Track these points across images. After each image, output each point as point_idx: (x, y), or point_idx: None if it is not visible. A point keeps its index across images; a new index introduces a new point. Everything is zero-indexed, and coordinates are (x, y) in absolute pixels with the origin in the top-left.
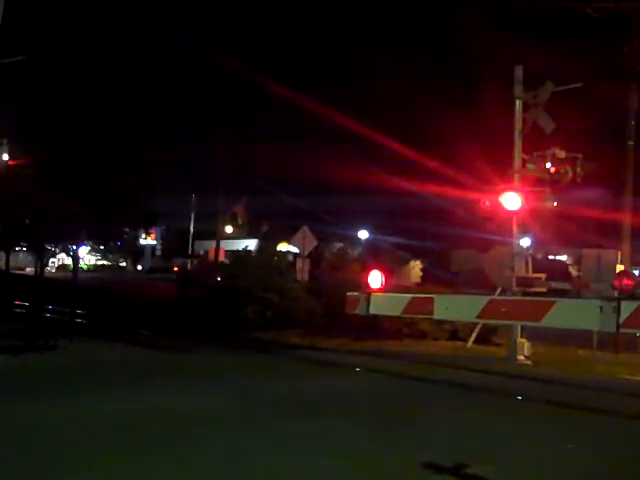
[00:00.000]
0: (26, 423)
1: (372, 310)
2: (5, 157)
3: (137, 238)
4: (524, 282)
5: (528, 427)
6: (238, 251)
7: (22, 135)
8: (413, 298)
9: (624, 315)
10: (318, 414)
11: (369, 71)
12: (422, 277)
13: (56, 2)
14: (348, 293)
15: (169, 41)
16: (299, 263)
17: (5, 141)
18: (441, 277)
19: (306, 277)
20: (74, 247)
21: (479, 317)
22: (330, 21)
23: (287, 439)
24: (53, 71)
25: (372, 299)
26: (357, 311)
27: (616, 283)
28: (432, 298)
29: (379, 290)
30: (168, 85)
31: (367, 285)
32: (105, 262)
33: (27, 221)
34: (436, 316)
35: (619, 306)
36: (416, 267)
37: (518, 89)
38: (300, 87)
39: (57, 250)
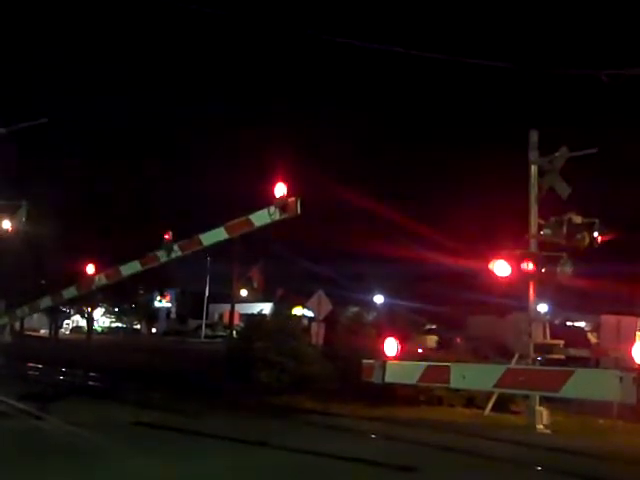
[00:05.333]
0: None
1: (388, 378)
2: (23, 219)
3: (152, 300)
4: (542, 348)
5: None
6: (253, 315)
7: (39, 197)
8: (429, 366)
9: None
10: None
11: (378, 142)
12: (438, 342)
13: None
14: (364, 361)
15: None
16: (314, 327)
17: (25, 203)
18: (457, 343)
19: (321, 341)
20: (88, 309)
21: (496, 386)
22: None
23: None
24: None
25: (387, 367)
26: (373, 379)
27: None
28: (448, 367)
29: (394, 358)
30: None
31: (382, 353)
32: (119, 324)
33: (43, 282)
34: (453, 385)
35: None
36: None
37: (533, 154)
38: (316, 163)
39: (71, 312)
